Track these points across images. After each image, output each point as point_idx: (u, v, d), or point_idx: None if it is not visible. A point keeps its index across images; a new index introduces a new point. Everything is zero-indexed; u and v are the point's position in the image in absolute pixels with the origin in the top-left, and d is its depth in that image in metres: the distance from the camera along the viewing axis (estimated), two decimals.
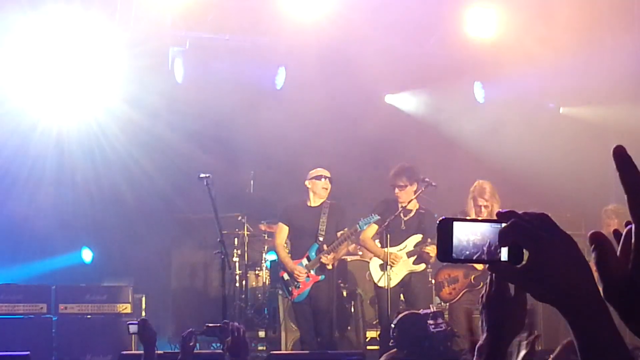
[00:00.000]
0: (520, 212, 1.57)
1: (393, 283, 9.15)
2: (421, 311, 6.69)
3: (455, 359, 5.65)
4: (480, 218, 1.64)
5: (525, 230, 1.54)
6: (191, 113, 11.85)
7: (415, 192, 9.25)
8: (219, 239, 8.45)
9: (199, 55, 11.80)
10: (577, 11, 10.67)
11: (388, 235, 9.13)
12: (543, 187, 11.83)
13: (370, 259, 9.68)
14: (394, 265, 9.14)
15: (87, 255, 12.49)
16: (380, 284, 9.24)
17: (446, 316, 9.64)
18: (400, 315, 6.40)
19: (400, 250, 9.26)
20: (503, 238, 1.57)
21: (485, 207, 9.08)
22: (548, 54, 11.31)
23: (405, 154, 10.86)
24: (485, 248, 1.60)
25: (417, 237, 9.34)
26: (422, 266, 9.42)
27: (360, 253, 11.16)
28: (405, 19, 11.02)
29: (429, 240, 9.22)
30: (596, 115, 12.49)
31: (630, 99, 11.70)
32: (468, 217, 1.65)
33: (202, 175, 8.52)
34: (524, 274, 1.55)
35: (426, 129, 12.73)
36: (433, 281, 10.09)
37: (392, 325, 6.32)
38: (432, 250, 9.18)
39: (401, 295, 9.45)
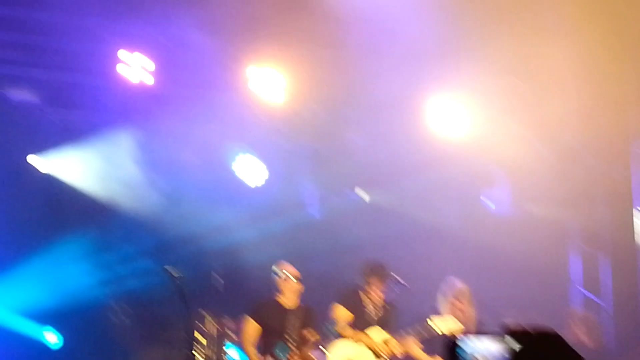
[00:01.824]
0: (530, 330, 1.63)
1: None
2: None
3: None
4: (489, 332, 1.54)
5: (539, 351, 1.59)
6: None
7: (384, 290, 9.19)
8: (186, 337, 8.21)
9: None
10: None
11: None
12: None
13: (328, 355, 9.49)
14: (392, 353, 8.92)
15: (52, 337, 12.12)
16: None
17: None
18: None
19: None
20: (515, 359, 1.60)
21: (462, 312, 9.17)
22: None
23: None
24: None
25: (380, 331, 9.20)
26: None
27: (326, 352, 10.93)
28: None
29: (393, 338, 9.10)
30: None
31: None
32: (471, 334, 1.55)
33: (175, 274, 8.24)
34: None
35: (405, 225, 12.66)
36: None
37: None
38: (397, 349, 9.06)
39: None
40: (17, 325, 11.89)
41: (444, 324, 9.06)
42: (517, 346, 1.53)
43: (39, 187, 11.93)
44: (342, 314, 9.17)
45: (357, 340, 9.09)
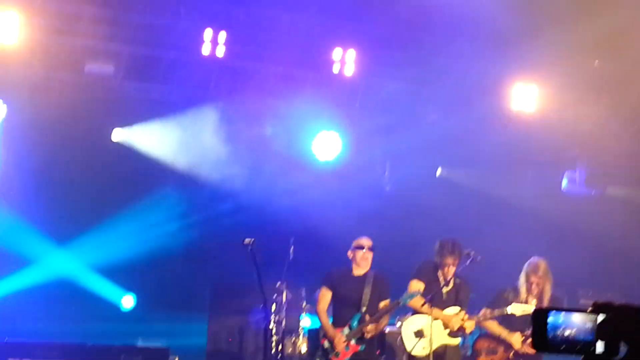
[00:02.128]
0: (617, 304, 1.59)
1: (426, 352, 9.04)
2: None
3: None
4: (575, 308, 1.60)
5: (625, 324, 1.55)
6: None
7: (458, 268, 9.23)
8: (262, 305, 8.35)
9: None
10: None
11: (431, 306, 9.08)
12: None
13: (401, 327, 9.58)
14: (464, 329, 9.02)
15: (127, 301, 12.49)
16: (413, 353, 9.12)
17: None
18: None
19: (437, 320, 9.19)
20: (602, 331, 1.58)
21: (537, 284, 9.13)
22: None
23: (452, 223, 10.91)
24: (580, 338, 1.61)
25: (455, 309, 9.26)
26: (458, 340, 9.34)
27: (398, 324, 11.03)
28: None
29: (465, 313, 9.16)
30: None
31: None
32: (564, 307, 1.61)
33: (247, 240, 8.42)
34: None
35: (482, 202, 12.65)
36: (469, 352, 9.99)
37: None
38: (469, 325, 9.13)
39: None
40: (95, 284, 12.33)
41: (518, 308, 9.09)
42: (607, 321, 1.58)
43: (121, 157, 12.23)
44: (417, 288, 9.21)
45: (431, 315, 9.14)
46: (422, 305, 9.02)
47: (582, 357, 1.60)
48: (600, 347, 1.58)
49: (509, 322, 9.23)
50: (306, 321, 11.28)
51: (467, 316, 9.20)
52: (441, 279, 9.27)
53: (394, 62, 10.99)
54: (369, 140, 12.23)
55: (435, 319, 9.12)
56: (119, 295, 12.60)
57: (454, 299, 9.31)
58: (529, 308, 9.07)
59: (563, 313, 1.62)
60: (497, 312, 9.17)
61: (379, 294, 9.13)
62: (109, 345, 10.75)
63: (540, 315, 1.63)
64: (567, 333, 1.60)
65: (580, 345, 1.59)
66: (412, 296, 9.00)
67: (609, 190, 12.60)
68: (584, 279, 11.76)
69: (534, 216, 12.31)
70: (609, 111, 11.11)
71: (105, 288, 12.51)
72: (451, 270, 9.21)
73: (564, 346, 1.60)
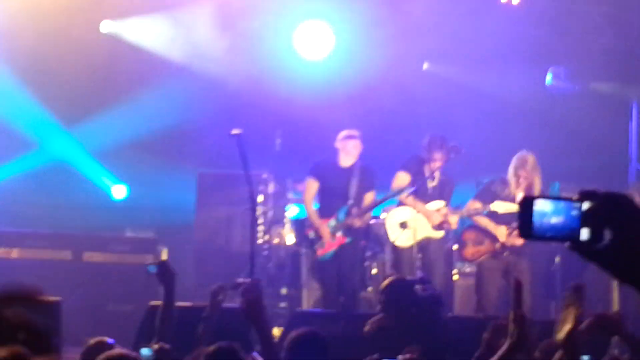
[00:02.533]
0: (602, 192, 1.61)
1: (409, 243, 9.19)
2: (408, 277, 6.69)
3: (444, 324, 5.66)
4: (562, 196, 1.65)
5: (609, 211, 1.58)
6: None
7: (445, 163, 9.28)
8: (249, 194, 8.40)
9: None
10: None
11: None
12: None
13: (385, 218, 9.70)
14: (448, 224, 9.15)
15: (119, 192, 12.51)
16: (397, 243, 9.28)
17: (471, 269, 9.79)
18: (387, 281, 6.37)
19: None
20: (586, 218, 1.61)
21: (526, 178, 9.20)
22: None
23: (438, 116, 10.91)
24: (566, 226, 1.63)
25: (439, 204, 9.38)
26: (441, 233, 9.49)
27: (383, 215, 11.17)
28: None
29: (449, 208, 9.28)
30: None
31: None
32: (550, 195, 1.66)
33: (234, 131, 8.41)
34: (606, 254, 1.59)
35: (469, 97, 12.63)
36: (455, 246, 10.18)
37: (380, 292, 6.29)
38: (453, 220, 9.25)
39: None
40: (88, 171, 12.35)
41: (502, 206, 9.20)
42: (592, 208, 1.63)
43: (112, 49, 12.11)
44: (403, 181, 9.30)
45: (415, 208, 9.26)
46: (407, 197, 9.14)
47: (568, 243, 1.64)
48: (585, 234, 1.62)
49: (495, 216, 9.35)
50: (293, 210, 11.39)
51: (450, 210, 9.32)
52: (427, 173, 9.33)
53: None
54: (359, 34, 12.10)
55: (418, 212, 9.24)
56: (111, 183, 12.59)
57: (438, 193, 9.42)
58: (512, 207, 9.18)
59: (549, 201, 1.64)
60: (480, 208, 9.27)
61: (365, 185, 9.22)
62: (97, 234, 10.89)
63: (526, 203, 1.64)
64: (553, 220, 1.63)
65: (566, 232, 1.62)
66: (401, 191, 9.09)
67: (593, 85, 12.61)
68: (568, 172, 11.88)
69: (520, 111, 12.33)
70: (593, 6, 11.03)
71: (98, 175, 12.49)
72: (437, 165, 9.27)
73: (549, 234, 1.63)
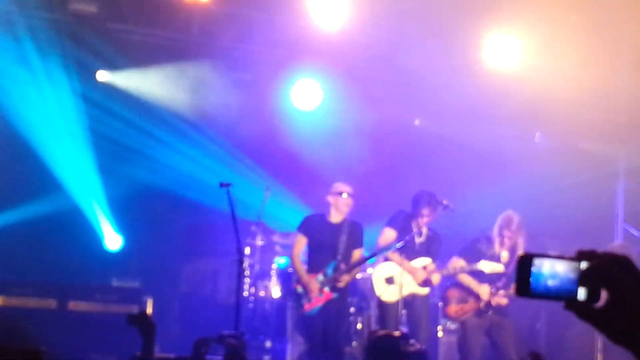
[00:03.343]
0: (600, 253, 1.62)
1: (395, 298, 9.21)
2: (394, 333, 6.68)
3: None
4: (559, 255, 1.67)
5: (607, 272, 1.59)
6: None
7: (433, 219, 9.35)
8: (237, 247, 8.45)
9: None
10: None
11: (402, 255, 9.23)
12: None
13: (372, 273, 9.73)
14: (401, 283, 9.21)
15: (114, 242, 12.44)
16: (383, 298, 9.30)
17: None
18: (374, 336, 6.35)
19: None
20: (584, 278, 1.61)
21: (510, 238, 9.27)
22: None
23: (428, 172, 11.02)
24: (563, 285, 1.63)
25: (426, 260, 9.41)
26: (426, 290, 9.49)
27: (369, 270, 11.20)
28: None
29: (434, 264, 9.34)
30: None
31: None
32: (549, 254, 1.69)
33: (224, 183, 8.54)
34: (602, 315, 1.59)
35: (459, 152, 12.73)
36: (440, 304, 10.20)
37: (366, 346, 6.25)
38: (436, 278, 9.30)
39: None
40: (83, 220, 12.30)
41: (488, 266, 9.25)
42: (590, 268, 1.65)
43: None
44: (390, 237, 9.33)
45: (400, 265, 9.29)
46: (393, 253, 9.18)
47: (564, 302, 1.64)
48: (582, 293, 1.63)
49: (479, 274, 9.36)
50: (281, 260, 11.38)
51: (434, 268, 9.36)
52: (414, 228, 9.38)
53: (372, 10, 10.95)
54: (348, 88, 12.22)
55: (403, 269, 9.27)
56: (110, 233, 12.55)
57: (425, 249, 9.44)
58: (498, 267, 9.24)
59: (547, 259, 1.65)
60: (467, 267, 9.30)
61: (353, 242, 9.25)
62: (83, 284, 10.85)
63: (524, 261, 1.65)
64: (549, 280, 1.64)
65: (563, 292, 1.63)
66: (388, 248, 9.13)
67: (582, 144, 12.76)
68: (554, 231, 11.97)
69: (509, 168, 12.44)
70: (583, 66, 11.20)
71: (99, 223, 12.45)
72: (425, 221, 9.32)
73: (546, 292, 1.64)
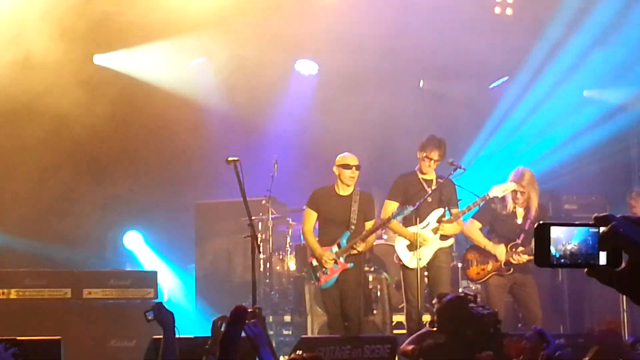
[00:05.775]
0: (618, 216, 1.60)
1: (423, 263, 9.08)
2: (461, 292, 6.56)
3: (500, 343, 5.51)
4: (576, 222, 1.64)
5: (626, 234, 1.57)
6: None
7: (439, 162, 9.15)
8: (248, 223, 8.28)
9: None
10: None
11: (417, 218, 9.06)
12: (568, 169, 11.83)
13: (394, 241, 9.57)
14: (422, 246, 9.07)
15: (131, 238, 12.39)
16: (410, 266, 9.15)
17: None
18: (445, 299, 6.15)
19: (424, 228, 9.18)
20: (603, 242, 1.60)
21: (522, 193, 9.15)
22: None
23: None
24: (583, 252, 1.62)
25: (439, 212, 9.24)
26: (450, 241, 9.36)
27: (385, 237, 11.08)
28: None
29: (451, 212, 9.16)
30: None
31: None
32: (564, 222, 1.62)
33: (230, 158, 8.29)
34: (624, 277, 1.59)
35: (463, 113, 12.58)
36: (460, 265, 10.08)
37: (438, 309, 6.05)
38: (449, 228, 9.13)
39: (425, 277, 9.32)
40: None
41: (498, 189, 9.10)
42: (608, 232, 1.61)
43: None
44: (391, 209, 9.13)
45: (401, 234, 9.16)
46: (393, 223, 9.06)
47: (586, 269, 1.62)
48: (603, 258, 1.61)
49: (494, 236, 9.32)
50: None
51: (454, 215, 9.18)
52: (423, 181, 9.19)
53: None
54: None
55: (403, 236, 9.15)
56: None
57: (437, 201, 9.26)
58: (510, 186, 9.08)
59: (564, 227, 1.63)
60: (478, 200, 9.13)
61: (365, 212, 9.11)
62: (97, 270, 10.79)
63: (542, 231, 1.63)
64: (569, 247, 1.62)
65: (583, 259, 1.62)
66: (401, 213, 8.94)
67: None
68: (568, 185, 11.84)
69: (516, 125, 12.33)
70: None
71: None
72: (433, 166, 9.11)
73: (567, 261, 1.62)
